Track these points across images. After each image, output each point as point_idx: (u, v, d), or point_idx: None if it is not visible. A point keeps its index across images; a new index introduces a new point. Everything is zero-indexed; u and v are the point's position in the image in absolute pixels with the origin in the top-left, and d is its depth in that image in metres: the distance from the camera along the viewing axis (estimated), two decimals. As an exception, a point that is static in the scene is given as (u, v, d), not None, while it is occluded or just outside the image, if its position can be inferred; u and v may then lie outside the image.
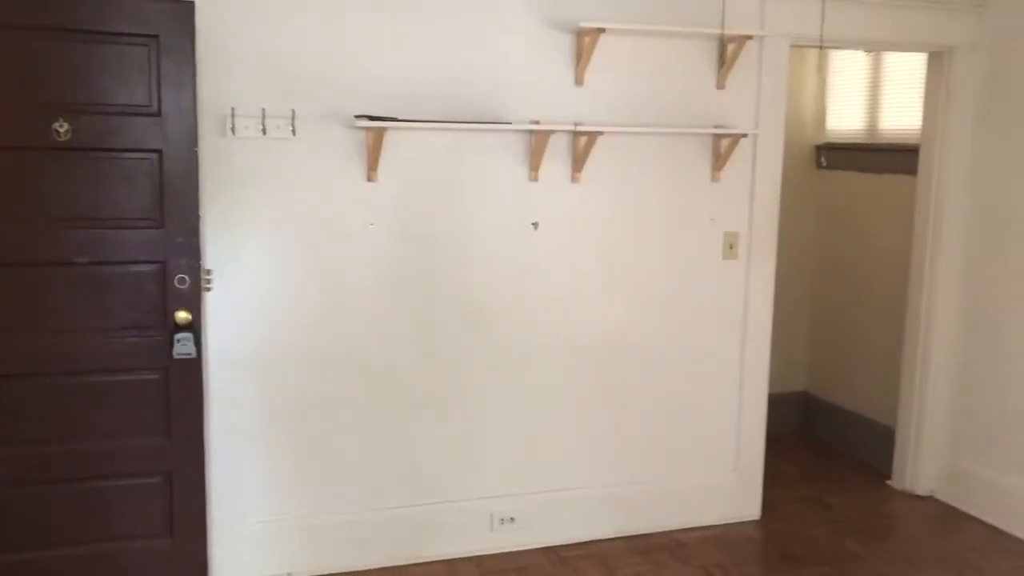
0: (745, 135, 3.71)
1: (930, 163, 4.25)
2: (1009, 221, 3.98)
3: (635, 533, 3.86)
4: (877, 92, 4.96)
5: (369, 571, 3.49)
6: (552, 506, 3.75)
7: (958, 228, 4.20)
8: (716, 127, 3.72)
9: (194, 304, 2.99)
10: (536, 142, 3.46)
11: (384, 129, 3.23)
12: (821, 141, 5.31)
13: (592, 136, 3.48)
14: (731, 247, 3.86)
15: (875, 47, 4.49)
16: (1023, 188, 3.91)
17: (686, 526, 3.94)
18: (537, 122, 3.45)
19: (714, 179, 3.78)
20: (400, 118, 3.25)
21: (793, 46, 3.88)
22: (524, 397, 3.66)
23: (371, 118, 3.19)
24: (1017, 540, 3.88)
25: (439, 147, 3.40)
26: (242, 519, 3.36)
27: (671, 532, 3.90)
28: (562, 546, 3.74)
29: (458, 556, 3.62)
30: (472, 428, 3.61)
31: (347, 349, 3.40)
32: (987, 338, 4.10)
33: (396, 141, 3.32)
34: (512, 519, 3.68)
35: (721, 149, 3.74)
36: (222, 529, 3.30)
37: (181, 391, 3.01)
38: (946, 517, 4.16)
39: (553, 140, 3.48)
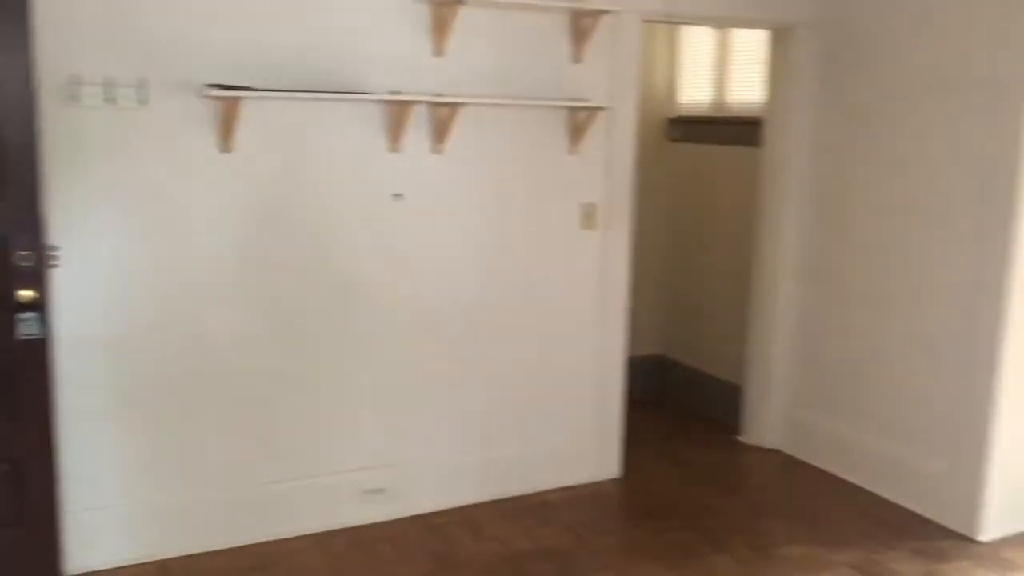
0: (601, 108, 3.82)
1: (773, 136, 4.50)
2: (844, 190, 4.26)
3: (503, 497, 3.95)
4: (724, 67, 5.19)
5: (237, 549, 3.44)
6: (422, 475, 3.79)
7: (799, 196, 4.46)
8: (573, 100, 3.81)
9: (38, 282, 2.85)
10: (396, 113, 3.46)
11: (238, 99, 3.15)
12: (672, 114, 5.51)
13: (453, 107, 3.51)
14: (589, 217, 3.98)
15: (722, 23, 4.70)
16: (857, 159, 4.19)
17: (552, 487, 4.07)
18: (397, 92, 3.44)
19: (572, 151, 3.88)
20: (255, 87, 3.19)
21: (645, 21, 4.01)
22: (390, 369, 3.68)
23: (224, 87, 3.11)
24: (855, 487, 4.19)
25: (297, 118, 3.35)
26: (99, 504, 3.25)
27: (538, 494, 4.02)
28: (433, 513, 3.80)
29: (329, 529, 3.62)
30: (338, 401, 3.60)
31: (204, 325, 3.32)
32: (824, 300, 4.39)
33: (252, 112, 3.25)
34: (382, 490, 3.71)
35: (578, 122, 3.84)
36: (78, 515, 3.18)
37: (28, 373, 2.86)
38: (791, 468, 4.45)
39: (414, 111, 3.49)
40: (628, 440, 4.29)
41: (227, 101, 3.15)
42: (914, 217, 3.92)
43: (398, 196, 3.57)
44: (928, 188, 3.85)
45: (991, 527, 3.70)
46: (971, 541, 3.67)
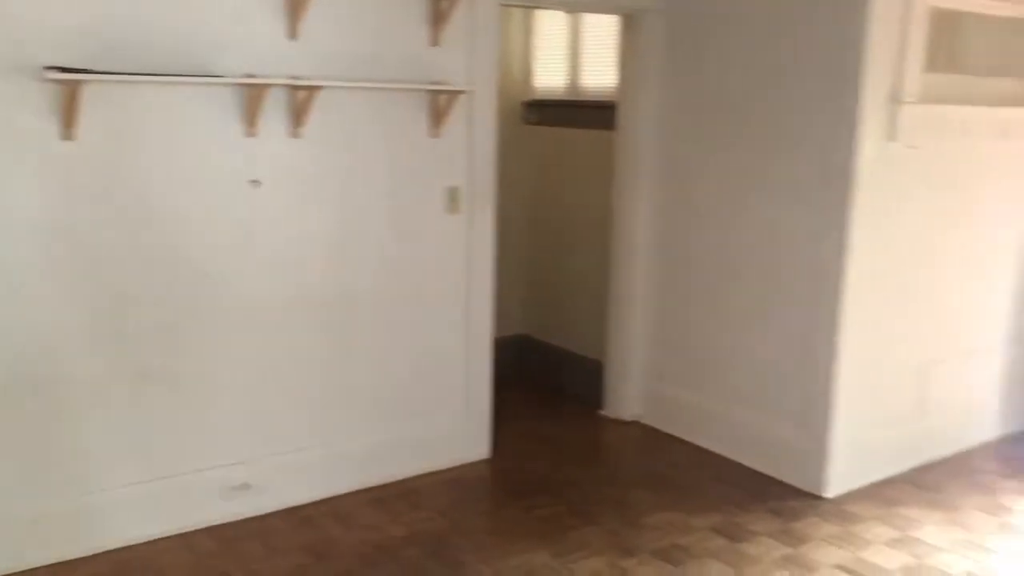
0: (462, 91, 3.82)
1: (625, 119, 4.62)
2: (693, 171, 4.43)
3: (372, 485, 3.92)
4: (578, 52, 5.29)
5: (99, 555, 3.27)
6: (288, 468, 3.71)
7: (651, 177, 4.61)
8: (433, 83, 3.80)
9: None
10: (251, 96, 3.34)
11: (80, 82, 2.97)
12: (528, 98, 5.58)
13: (311, 91, 3.43)
14: (453, 201, 3.98)
15: (573, 8, 4.78)
16: (705, 141, 4.36)
17: (423, 472, 4.07)
18: (251, 76, 3.33)
19: (434, 135, 3.87)
20: (98, 70, 3.01)
21: (503, 5, 4.03)
22: (251, 361, 3.57)
23: (64, 69, 2.92)
24: (713, 454, 4.40)
25: (146, 102, 3.18)
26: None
27: (407, 480, 4.01)
28: (300, 506, 3.72)
29: (193, 528, 3.49)
30: (197, 396, 3.47)
31: (47, 324, 3.12)
32: (678, 277, 4.57)
33: (97, 96, 3.06)
34: (247, 485, 3.61)
35: (439, 105, 3.83)
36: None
37: None
38: (652, 439, 4.62)
39: (271, 95, 3.38)
40: (496, 420, 4.34)
41: (68, 85, 2.95)
42: (760, 195, 4.12)
43: (255, 183, 3.46)
44: (772, 169, 4.05)
45: (835, 484, 3.96)
46: (819, 498, 3.93)
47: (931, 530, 3.68)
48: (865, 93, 3.66)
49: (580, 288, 5.33)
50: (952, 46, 4.08)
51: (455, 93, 3.81)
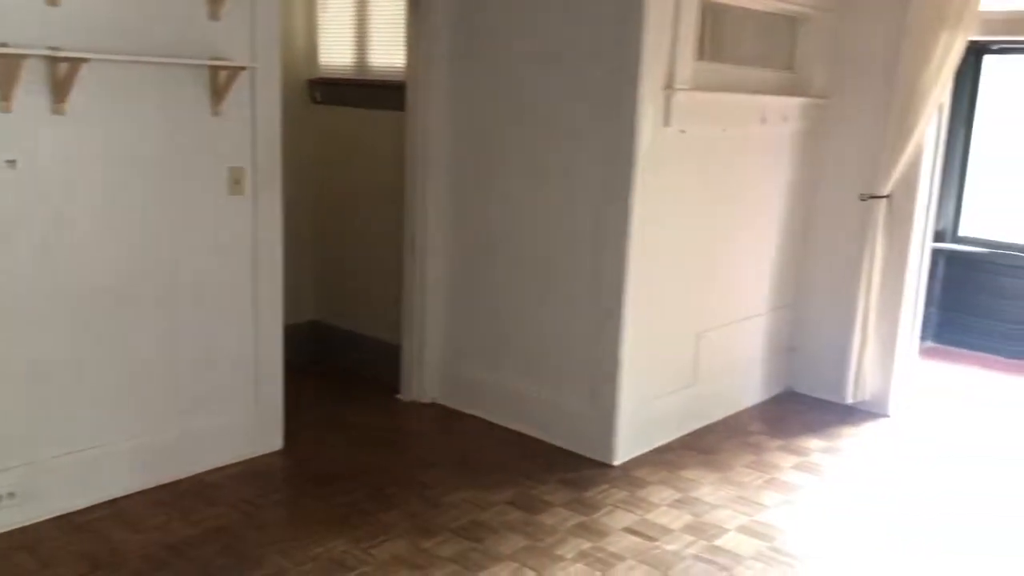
0: (243, 68, 3.66)
1: (414, 98, 4.60)
2: (484, 149, 4.48)
3: (160, 483, 3.71)
4: (365, 30, 5.20)
5: None
6: (61, 472, 3.43)
7: (442, 157, 4.61)
8: (212, 59, 3.60)
9: None
10: (5, 68, 3.03)
11: None
12: (313, 76, 5.43)
13: (74, 63, 3.15)
14: (237, 182, 3.80)
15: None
16: (492, 119, 4.42)
17: (212, 467, 3.88)
18: (4, 44, 3.02)
19: (215, 113, 3.68)
20: None
21: (284, -21, 3.89)
22: (15, 358, 3.26)
23: None
24: (510, 431, 4.48)
25: None
26: None
27: (197, 476, 3.81)
28: (77, 512, 3.46)
29: (-52, 547, 3.16)
30: (-48, 400, 3.13)
31: None
32: (471, 256, 4.62)
33: None
34: (12, 494, 3.30)
35: (220, 82, 3.64)
36: None
37: None
38: (450, 419, 4.66)
39: (28, 67, 3.08)
40: (288, 410, 4.21)
41: None
42: (548, 176, 4.24)
43: (11, 163, 3.15)
44: (559, 150, 4.17)
45: (623, 452, 4.17)
46: (608, 466, 4.11)
47: (708, 490, 3.95)
48: (643, 81, 3.84)
49: (373, 271, 5.27)
50: (719, 37, 4.37)
51: (236, 69, 3.63)
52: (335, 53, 5.36)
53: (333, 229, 5.49)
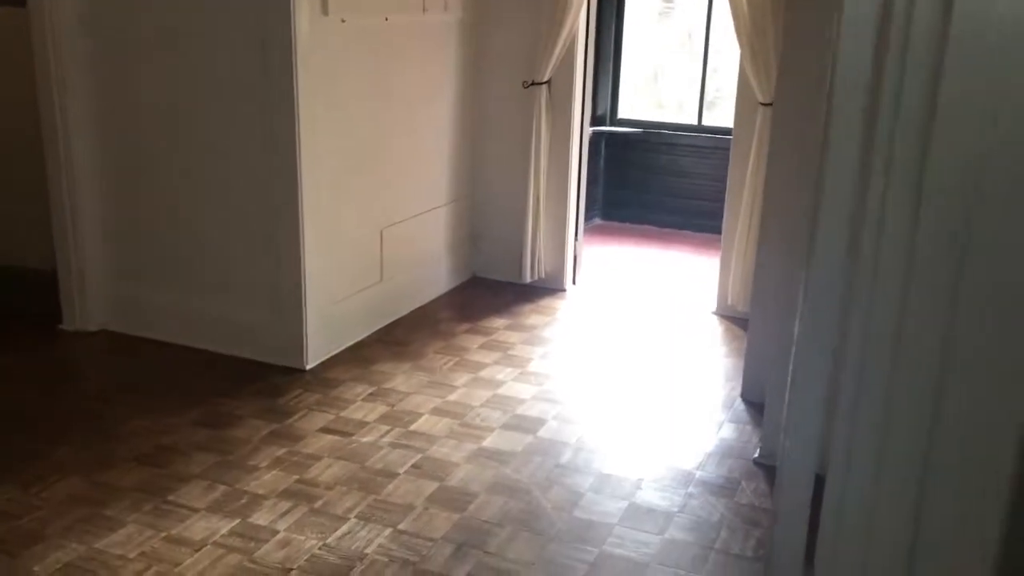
0: None
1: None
2: (124, 47, 4.07)
3: None
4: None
5: None
6: None
7: (81, 59, 4.13)
8: None
9: None
10: None
11: None
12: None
13: None
14: None
15: None
16: (129, 11, 4.01)
17: None
18: None
19: None
20: None
21: None
22: None
23: None
24: (193, 349, 4.22)
25: None
26: None
27: None
28: None
29: None
30: None
31: None
32: (131, 171, 4.23)
33: None
34: None
35: None
36: None
37: None
38: (120, 346, 4.32)
39: None
40: (-75, 357, 3.69)
41: None
42: (197, 71, 3.94)
43: None
44: (207, 40, 3.88)
45: (314, 354, 4.11)
46: (301, 371, 4.04)
47: (401, 379, 4.02)
48: (293, -35, 3.65)
49: (12, 193, 4.67)
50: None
51: None
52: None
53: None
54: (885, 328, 1.52)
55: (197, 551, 2.76)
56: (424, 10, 4.56)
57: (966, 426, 1.18)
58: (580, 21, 4.85)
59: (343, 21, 3.98)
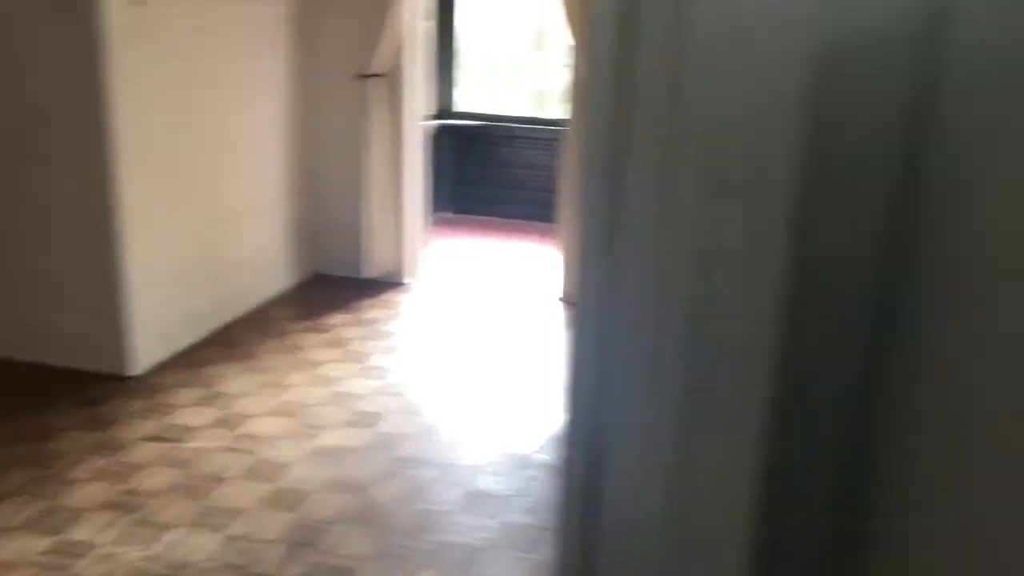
0: None
1: None
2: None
3: None
4: None
5: None
6: None
7: None
8: None
9: None
10: None
11: None
12: None
13: None
14: None
15: None
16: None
17: None
18: None
19: None
20: None
21: None
22: None
23: None
24: (6, 363, 3.97)
25: None
26: None
27: None
28: None
29: None
30: None
31: None
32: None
33: None
34: None
35: None
36: None
37: None
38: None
39: None
40: None
41: None
42: (9, 78, 3.71)
43: None
44: (12, 34, 3.66)
45: (142, 361, 3.93)
46: (126, 378, 3.86)
47: (235, 381, 3.91)
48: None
49: None
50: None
51: None
52: None
53: None
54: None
55: (8, 573, 2.61)
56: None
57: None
58: (405, 13, 4.83)
59: (139, 5, 3.72)
